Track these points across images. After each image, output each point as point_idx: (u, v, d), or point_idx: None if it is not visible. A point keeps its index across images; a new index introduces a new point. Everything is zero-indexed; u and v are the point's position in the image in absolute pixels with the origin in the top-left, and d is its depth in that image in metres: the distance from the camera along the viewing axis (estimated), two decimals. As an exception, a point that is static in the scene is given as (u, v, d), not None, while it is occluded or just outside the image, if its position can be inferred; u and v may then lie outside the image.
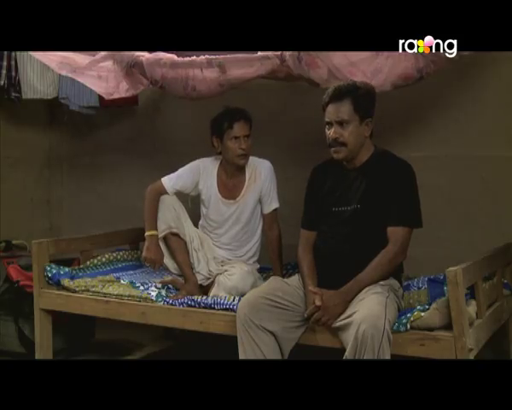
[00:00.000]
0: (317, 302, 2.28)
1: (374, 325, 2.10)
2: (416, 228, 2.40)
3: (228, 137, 2.94)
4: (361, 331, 2.09)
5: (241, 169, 3.02)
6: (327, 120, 2.44)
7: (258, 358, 2.31)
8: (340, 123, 2.39)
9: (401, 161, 2.45)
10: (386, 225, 2.37)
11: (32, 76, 3.75)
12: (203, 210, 3.10)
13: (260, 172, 3.00)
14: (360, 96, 2.38)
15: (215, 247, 3.07)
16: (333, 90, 2.42)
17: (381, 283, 2.35)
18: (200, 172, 3.05)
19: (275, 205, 3.03)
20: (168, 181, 3.03)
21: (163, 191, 3.01)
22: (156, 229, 2.96)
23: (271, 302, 2.38)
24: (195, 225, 3.11)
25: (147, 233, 2.96)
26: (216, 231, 3.07)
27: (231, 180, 3.03)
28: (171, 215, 2.96)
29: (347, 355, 2.14)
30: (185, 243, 2.99)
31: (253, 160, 3.03)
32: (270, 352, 2.33)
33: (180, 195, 3.08)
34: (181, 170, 3.07)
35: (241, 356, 2.36)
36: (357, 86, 2.41)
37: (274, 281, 2.56)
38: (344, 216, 2.43)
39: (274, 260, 3.00)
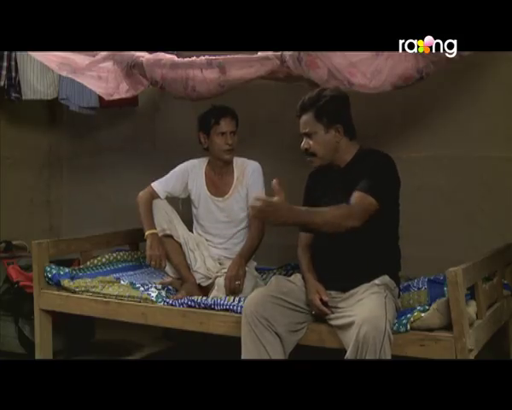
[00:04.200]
0: (324, 298, 2.35)
1: (375, 327, 2.10)
2: (375, 202, 2.28)
3: (215, 132, 2.99)
4: (362, 333, 2.09)
5: (228, 165, 3.06)
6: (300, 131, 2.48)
7: (262, 358, 2.31)
8: (307, 134, 2.44)
9: (383, 154, 2.44)
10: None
11: (32, 77, 3.75)
12: (194, 211, 3.13)
13: (248, 171, 3.04)
14: (322, 106, 2.39)
15: (210, 247, 3.09)
16: (299, 104, 2.46)
17: (377, 282, 2.34)
18: (189, 173, 3.10)
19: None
20: (158, 185, 3.07)
21: (155, 195, 3.04)
22: (155, 227, 2.97)
23: (280, 301, 2.39)
24: (188, 228, 3.12)
25: (147, 232, 2.97)
26: (209, 231, 3.09)
27: (219, 178, 3.07)
28: (163, 218, 2.99)
29: (348, 357, 2.14)
30: (180, 245, 3.01)
31: (242, 160, 3.08)
32: (275, 352, 2.32)
33: (171, 200, 3.10)
34: (170, 173, 3.12)
35: (244, 356, 2.35)
36: (320, 96, 2.41)
37: (279, 280, 2.55)
38: None
39: (240, 253, 2.95)
